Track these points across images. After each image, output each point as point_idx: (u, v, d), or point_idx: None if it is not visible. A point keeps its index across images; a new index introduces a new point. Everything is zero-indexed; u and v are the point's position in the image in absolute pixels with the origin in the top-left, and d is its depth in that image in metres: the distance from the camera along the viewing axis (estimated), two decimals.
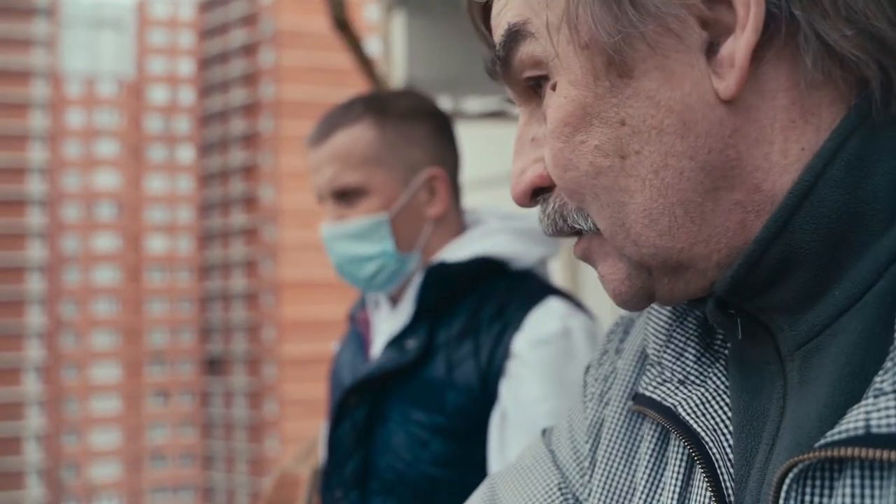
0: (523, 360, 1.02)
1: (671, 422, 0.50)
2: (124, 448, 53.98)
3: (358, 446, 1.11)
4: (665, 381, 0.52)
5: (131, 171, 58.59)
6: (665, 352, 0.53)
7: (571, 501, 0.60)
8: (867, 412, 0.37)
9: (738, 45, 0.42)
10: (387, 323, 1.20)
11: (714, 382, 0.51)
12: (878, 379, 0.38)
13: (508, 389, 1.02)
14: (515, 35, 0.47)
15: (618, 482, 0.56)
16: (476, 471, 1.02)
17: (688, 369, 0.52)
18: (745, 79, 0.42)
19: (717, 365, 0.52)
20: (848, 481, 0.38)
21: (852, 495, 0.37)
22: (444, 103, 6.88)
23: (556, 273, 4.38)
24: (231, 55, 60.53)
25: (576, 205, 0.48)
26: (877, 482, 0.37)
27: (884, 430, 0.36)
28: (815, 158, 0.43)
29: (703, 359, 0.52)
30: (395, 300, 1.21)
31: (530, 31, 0.46)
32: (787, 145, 0.43)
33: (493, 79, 0.50)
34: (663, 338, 0.54)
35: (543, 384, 1.00)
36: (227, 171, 59.89)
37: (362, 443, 1.11)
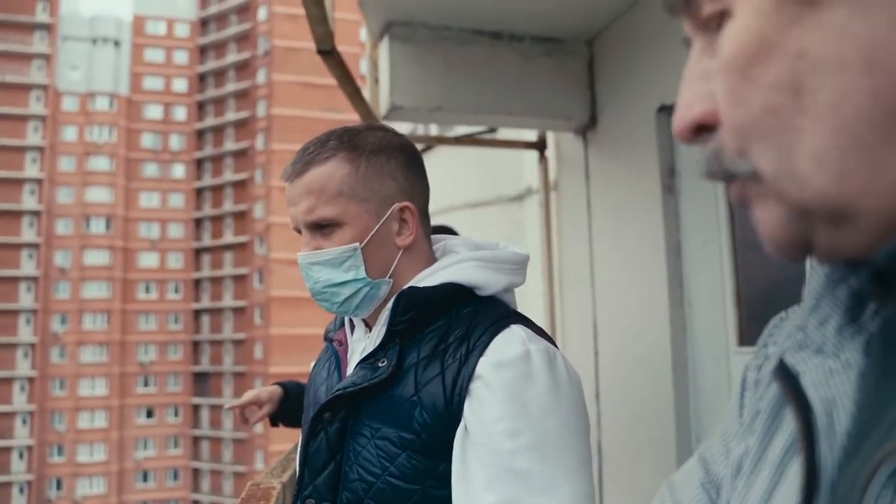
0: (486, 382, 1.08)
1: (790, 389, 0.49)
2: (111, 464, 53.49)
3: (331, 459, 1.18)
4: (803, 346, 0.51)
5: (124, 187, 58.52)
6: (811, 317, 0.51)
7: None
8: None
9: None
10: (361, 343, 1.27)
11: (848, 355, 0.48)
12: None
13: (471, 409, 1.08)
14: None
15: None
16: (439, 484, 1.09)
17: (826, 338, 0.49)
18: None
19: (858, 339, 0.48)
20: None
21: None
22: (427, 130, 6.96)
23: (540, 312, 4.42)
24: (226, 73, 60.73)
25: (737, 146, 0.45)
26: None
27: None
28: None
29: (845, 331, 0.49)
30: (369, 323, 1.29)
31: None
32: None
33: (672, 15, 0.50)
34: (812, 303, 0.52)
35: (502, 404, 1.06)
36: (219, 188, 59.91)
37: (334, 456, 1.18)
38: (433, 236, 1.33)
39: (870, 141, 0.40)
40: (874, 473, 0.38)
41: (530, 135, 4.73)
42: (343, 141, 1.22)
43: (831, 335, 0.49)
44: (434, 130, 6.62)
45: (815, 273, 0.52)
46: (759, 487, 0.51)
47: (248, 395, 1.83)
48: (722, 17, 0.46)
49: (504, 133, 5.34)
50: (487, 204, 6.55)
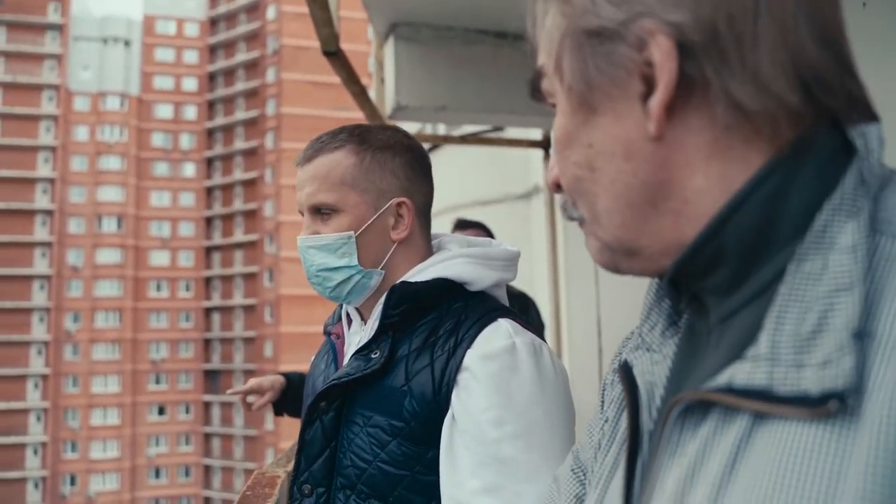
0: (473, 373, 1.12)
1: (626, 377, 0.65)
2: (123, 461, 53.84)
3: (326, 446, 1.23)
4: (639, 347, 0.67)
5: (135, 186, 58.83)
6: (645, 324, 0.68)
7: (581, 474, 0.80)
8: (732, 372, 0.51)
9: (655, 100, 0.55)
10: (357, 336, 1.32)
11: (667, 350, 0.65)
12: (747, 351, 0.52)
13: (458, 398, 1.13)
14: (539, 74, 0.64)
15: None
16: (428, 470, 1.14)
17: (653, 338, 0.67)
18: (664, 124, 0.55)
19: (675, 338, 0.66)
20: (710, 420, 0.53)
21: (709, 431, 0.53)
22: (434, 129, 6.97)
23: (545, 308, 4.42)
24: (236, 72, 60.97)
25: (571, 200, 0.64)
26: (726, 423, 0.51)
27: (738, 385, 0.50)
28: (739, 191, 0.55)
29: (667, 332, 0.67)
30: (364, 317, 1.34)
31: (545, 72, 0.63)
32: (707, 171, 0.56)
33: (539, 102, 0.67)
34: (646, 313, 0.69)
35: (489, 395, 1.10)
36: (229, 187, 60.17)
37: (329, 443, 1.22)
38: (433, 233, 1.38)
39: (637, 203, 0.58)
40: (668, 415, 0.57)
41: (536, 133, 4.77)
42: (353, 134, 1.29)
43: (657, 337, 0.66)
44: (442, 129, 6.65)
45: (648, 290, 0.69)
46: (611, 456, 0.68)
47: (251, 383, 1.90)
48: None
49: (511, 132, 5.37)
50: (496, 202, 6.58)
